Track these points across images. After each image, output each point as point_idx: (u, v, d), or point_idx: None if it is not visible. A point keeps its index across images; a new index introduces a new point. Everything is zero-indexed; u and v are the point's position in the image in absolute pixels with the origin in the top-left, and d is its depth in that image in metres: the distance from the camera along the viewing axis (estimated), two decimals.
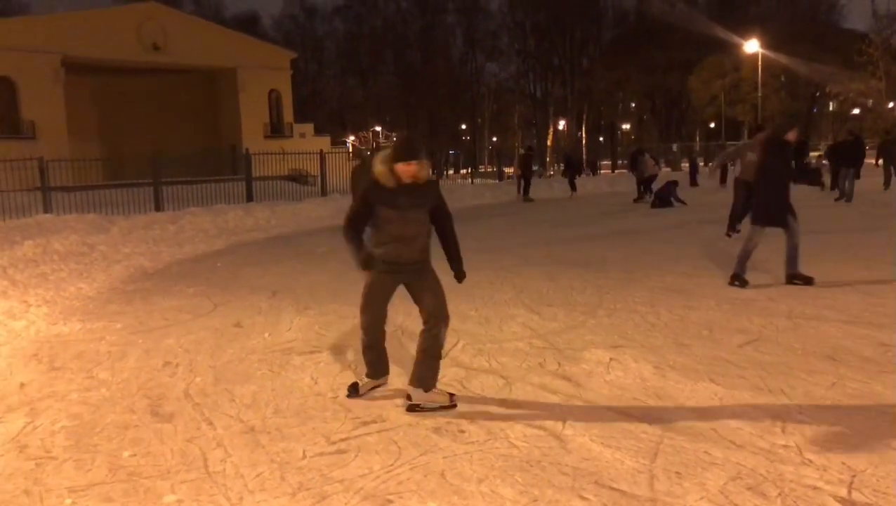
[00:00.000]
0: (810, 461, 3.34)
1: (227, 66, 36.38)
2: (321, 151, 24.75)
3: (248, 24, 59.92)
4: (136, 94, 36.00)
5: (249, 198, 21.03)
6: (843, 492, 3.03)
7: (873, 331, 5.53)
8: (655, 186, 19.96)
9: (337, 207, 19.86)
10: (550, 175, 35.49)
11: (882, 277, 7.70)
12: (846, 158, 17.16)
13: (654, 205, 18.31)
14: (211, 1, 64.16)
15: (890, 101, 53.70)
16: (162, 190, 19.26)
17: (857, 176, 17.11)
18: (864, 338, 5.35)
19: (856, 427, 3.70)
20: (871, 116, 54.50)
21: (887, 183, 19.85)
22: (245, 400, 4.48)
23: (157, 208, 18.71)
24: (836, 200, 16.82)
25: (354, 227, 4.24)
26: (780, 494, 3.04)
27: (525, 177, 24.40)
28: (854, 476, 3.16)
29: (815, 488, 3.08)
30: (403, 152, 4.10)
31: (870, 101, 55.18)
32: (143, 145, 28.50)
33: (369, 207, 4.16)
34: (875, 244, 10.12)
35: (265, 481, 3.33)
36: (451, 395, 4.27)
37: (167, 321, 6.87)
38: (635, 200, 20.76)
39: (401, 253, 4.19)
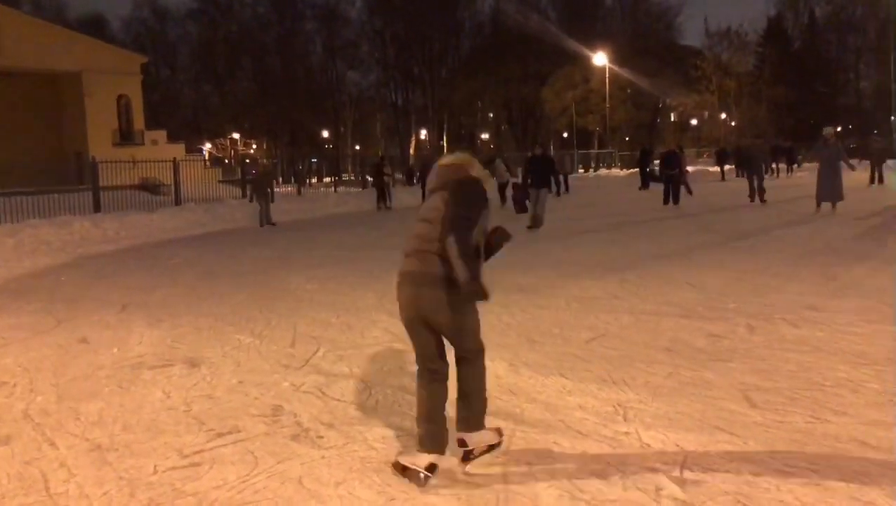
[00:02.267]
0: (648, 445, 3.58)
1: (72, 70, 34.30)
2: (175, 158, 23.84)
3: (93, 26, 56.64)
4: None
5: (97, 208, 19.95)
6: (676, 472, 3.27)
7: (705, 324, 5.98)
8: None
9: (192, 218, 19.24)
10: (415, 182, 35.73)
11: (712, 275, 8.33)
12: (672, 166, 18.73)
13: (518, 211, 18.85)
14: (52, 1, 60.25)
15: (722, 112, 57.97)
16: None
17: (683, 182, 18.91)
18: (698, 330, 5.78)
19: (688, 412, 4.00)
20: (706, 127, 58.66)
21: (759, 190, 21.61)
22: (91, 418, 4.27)
23: None
24: (665, 203, 18.29)
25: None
26: (621, 477, 3.24)
27: (378, 186, 24.48)
28: (686, 456, 3.42)
29: (652, 469, 3.31)
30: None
31: (705, 113, 59.39)
32: None
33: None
34: (708, 246, 10.95)
35: (112, 500, 3.20)
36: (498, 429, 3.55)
37: (4, 340, 6.42)
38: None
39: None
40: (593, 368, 4.87)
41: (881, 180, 23.80)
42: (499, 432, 3.48)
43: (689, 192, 19.62)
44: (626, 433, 3.74)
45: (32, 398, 4.68)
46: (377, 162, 26.58)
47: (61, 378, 5.13)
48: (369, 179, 32.50)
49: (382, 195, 23.97)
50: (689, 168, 30.45)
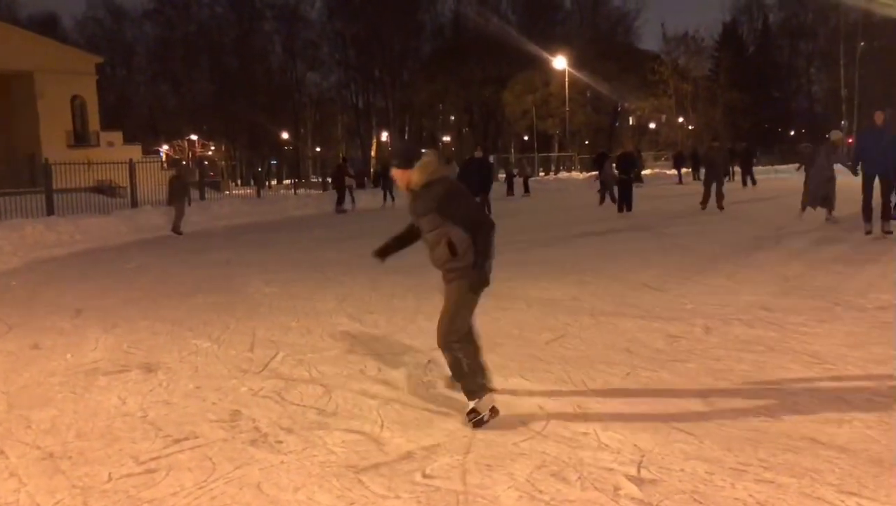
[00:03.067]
0: (606, 446, 3.62)
1: (23, 70, 33.54)
2: (131, 160, 23.46)
3: (46, 25, 55.46)
4: None
5: (50, 211, 19.54)
6: (634, 471, 3.31)
7: (664, 324, 6.07)
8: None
9: (149, 221, 18.92)
10: (376, 186, 35.70)
11: (670, 276, 8.46)
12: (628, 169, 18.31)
13: None
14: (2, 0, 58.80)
15: (680, 116, 58.91)
16: None
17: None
18: (657, 331, 5.86)
19: (645, 412, 4.06)
20: (664, 130, 59.55)
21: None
22: (43, 425, 4.18)
23: None
24: (619, 210, 17.74)
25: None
26: (579, 477, 3.27)
27: (338, 188, 24.36)
28: (643, 456, 3.46)
29: (609, 469, 3.34)
30: (392, 158, 4.15)
31: (663, 116, 60.31)
32: None
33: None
34: (665, 250, 11.10)
35: None
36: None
37: None
38: None
39: (431, 258, 4.15)
40: (553, 369, 4.91)
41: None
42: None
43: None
44: (585, 434, 3.77)
45: None
46: (339, 164, 26.48)
47: (12, 386, 5.01)
48: (329, 180, 32.38)
49: (342, 198, 23.84)
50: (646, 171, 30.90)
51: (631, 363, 4.99)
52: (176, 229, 16.71)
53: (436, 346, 5.60)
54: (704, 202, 17.27)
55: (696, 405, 4.13)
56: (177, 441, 3.87)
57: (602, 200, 21.06)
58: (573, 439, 3.71)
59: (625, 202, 17.60)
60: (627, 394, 4.37)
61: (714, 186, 17.32)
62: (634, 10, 69.51)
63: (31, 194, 19.94)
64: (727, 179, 24.58)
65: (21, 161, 30.76)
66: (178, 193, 16.83)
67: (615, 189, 19.34)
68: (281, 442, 3.81)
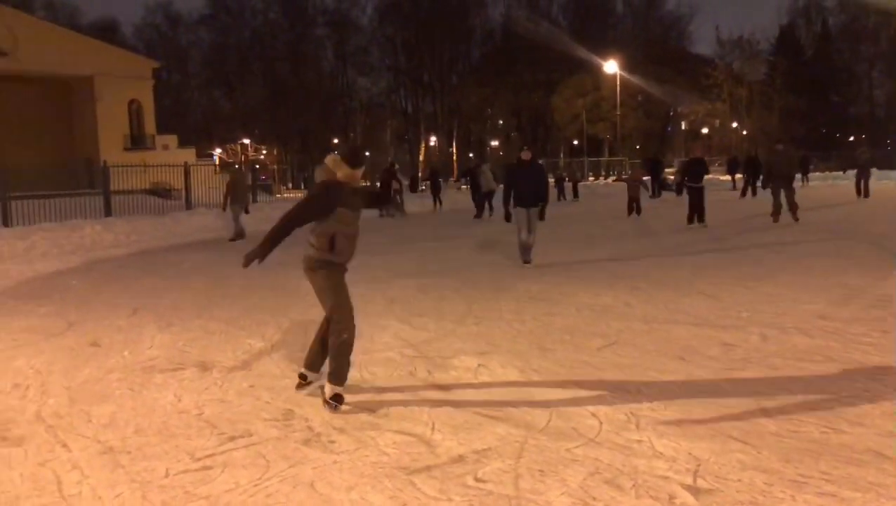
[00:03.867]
0: (661, 454, 3.56)
1: (83, 75, 34.50)
2: (186, 163, 23.94)
3: (106, 31, 56.99)
4: None
5: (108, 213, 20.03)
6: (689, 480, 3.25)
7: (719, 332, 5.95)
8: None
9: (202, 222, 19.28)
10: (422, 190, 35.78)
11: (722, 284, 8.29)
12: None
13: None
14: (65, 6, 60.72)
15: (734, 121, 57.84)
16: (10, 205, 18.01)
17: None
18: (711, 339, 5.75)
19: (701, 420, 3.98)
20: (717, 135, 58.53)
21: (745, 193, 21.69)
22: (103, 420, 4.28)
23: (5, 224, 17.46)
24: (689, 222, 15.46)
25: (295, 227, 4.51)
26: (633, 485, 3.22)
27: (385, 193, 24.42)
28: (699, 465, 3.40)
29: (665, 477, 3.28)
30: (360, 158, 4.54)
31: (717, 122, 59.26)
32: None
33: (331, 208, 4.38)
34: (720, 257, 10.90)
35: (125, 502, 3.20)
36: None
37: (16, 342, 6.45)
38: (476, 217, 20.29)
39: (349, 252, 4.55)
40: (605, 376, 4.85)
41: (867, 194, 22.15)
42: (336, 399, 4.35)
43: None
44: (639, 441, 3.72)
45: (45, 401, 4.69)
46: (387, 169, 26.62)
47: (73, 381, 5.15)
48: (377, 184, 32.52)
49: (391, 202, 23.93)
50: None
51: (685, 371, 4.91)
52: (237, 236, 15.82)
53: (485, 350, 5.61)
54: (776, 214, 15.30)
55: (753, 415, 4.03)
56: (231, 439, 3.93)
57: (630, 210, 19.11)
58: (627, 446, 3.66)
59: (696, 212, 15.37)
60: (681, 402, 4.29)
61: (784, 195, 15.24)
62: (688, 13, 68.50)
63: (90, 196, 20.49)
64: (801, 183, 23.34)
65: (80, 163, 31.64)
66: (235, 198, 15.97)
67: (640, 199, 18.61)
68: (333, 442, 3.84)
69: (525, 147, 10.33)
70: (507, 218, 10.06)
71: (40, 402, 4.67)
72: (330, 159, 4.52)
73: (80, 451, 3.81)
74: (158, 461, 3.64)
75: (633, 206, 19.24)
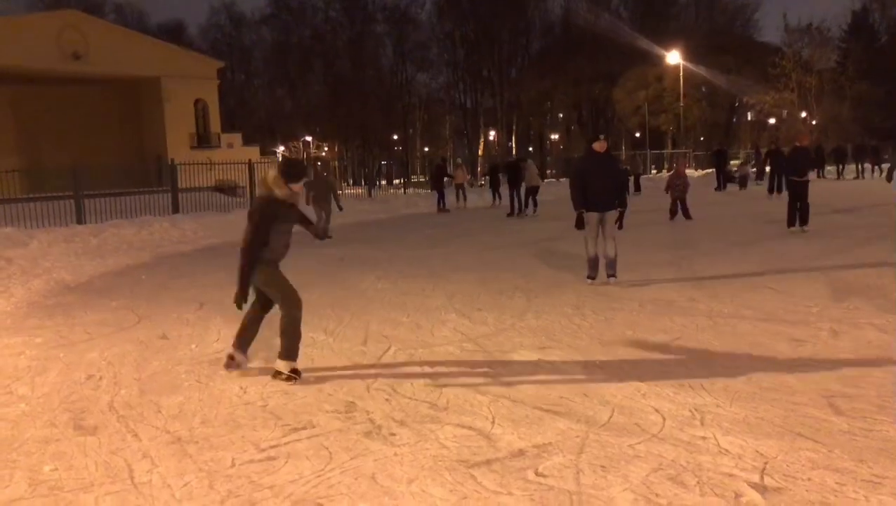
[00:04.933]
0: (727, 451, 3.48)
1: (152, 76, 35.58)
2: (250, 161, 24.42)
3: (173, 32, 58.63)
4: (56, 104, 34.80)
5: (175, 209, 20.58)
6: (756, 478, 3.17)
7: (787, 327, 5.79)
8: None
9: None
10: (481, 185, 35.72)
11: (792, 277, 8.05)
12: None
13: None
14: (134, 9, 62.67)
15: (802, 111, 56.08)
16: (83, 202, 18.67)
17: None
18: (779, 334, 5.59)
19: (768, 418, 3.88)
20: (784, 126, 56.85)
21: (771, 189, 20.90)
22: (172, 411, 4.41)
23: (79, 221, 18.12)
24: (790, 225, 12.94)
25: (253, 253, 4.96)
26: (698, 482, 3.16)
27: (438, 189, 24.27)
28: (766, 463, 3.31)
29: (730, 475, 3.21)
30: (297, 173, 5.02)
31: (784, 112, 57.55)
32: (63, 157, 27.60)
33: (270, 223, 4.93)
34: (787, 250, 10.57)
35: (193, 490, 3.29)
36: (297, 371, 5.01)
37: (89, 335, 6.69)
38: (509, 215, 19.40)
39: (281, 253, 5.10)
40: (669, 371, 4.77)
41: None
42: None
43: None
44: (704, 438, 3.64)
45: (117, 391, 4.85)
46: (438, 164, 26.59)
47: (143, 372, 5.31)
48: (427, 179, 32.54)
49: (441, 199, 23.72)
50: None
51: (751, 367, 4.78)
52: (324, 234, 13.51)
53: (545, 344, 5.57)
54: None
55: (823, 413, 3.91)
56: (295, 430, 3.99)
57: (673, 213, 16.01)
58: (691, 442, 3.59)
59: (798, 213, 12.54)
60: (748, 399, 4.19)
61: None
62: (754, 1, 66.41)
63: (158, 193, 21.08)
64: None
65: (149, 162, 32.61)
66: (323, 195, 15.02)
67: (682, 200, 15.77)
68: (394, 434, 3.87)
69: (601, 136, 8.36)
70: (580, 224, 8.10)
71: (112, 392, 4.83)
72: (270, 176, 5.00)
73: (149, 440, 3.93)
74: (225, 451, 3.73)
75: (678, 207, 15.95)
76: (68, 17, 33.81)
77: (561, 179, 34.87)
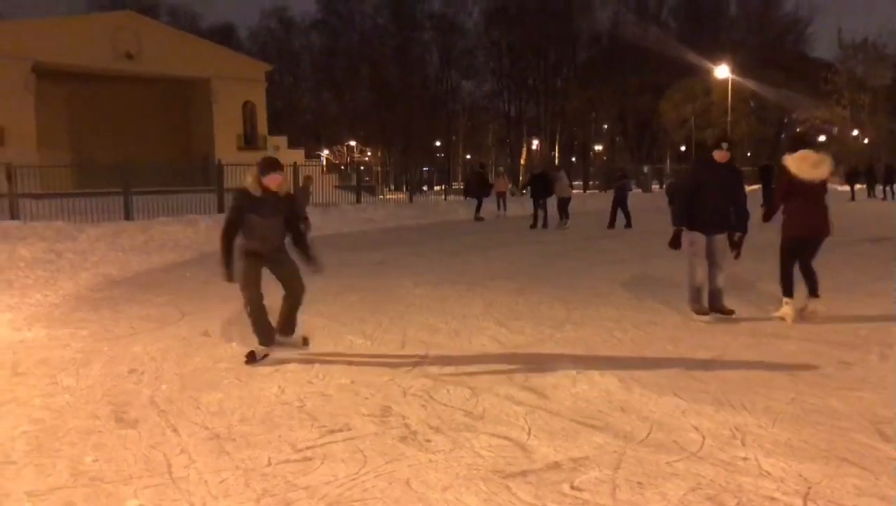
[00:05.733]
0: (768, 473, 3.40)
1: (202, 77, 36.17)
2: (295, 163, 24.70)
3: (224, 35, 59.61)
4: (108, 103, 35.59)
5: (221, 209, 20.86)
6: (799, 502, 3.09)
7: (833, 349, 5.65)
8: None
9: (309, 221, 19.78)
10: (524, 193, 35.65)
11: (842, 300, 7.87)
12: None
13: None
14: (187, 11, 63.90)
15: (854, 128, 54.86)
16: (132, 199, 19.08)
17: None
18: (825, 355, 5.46)
19: (812, 441, 3.79)
20: (835, 143, 55.69)
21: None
22: (211, 408, 4.46)
23: (127, 217, 18.53)
24: None
25: (230, 238, 5.41)
26: (738, 503, 3.10)
27: (476, 196, 24.16)
28: (810, 487, 3.23)
29: (771, 498, 3.14)
30: (274, 165, 5.39)
31: (835, 129, 56.35)
32: (113, 154, 28.21)
33: (240, 214, 5.36)
34: (836, 267, 10.33)
35: (229, 488, 3.32)
36: (305, 339, 5.82)
37: (134, 329, 6.82)
38: (532, 226, 18.99)
39: (259, 245, 5.44)
40: (709, 389, 4.68)
41: None
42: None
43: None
44: (745, 459, 3.57)
45: (158, 386, 4.93)
46: (476, 171, 26.49)
47: (184, 368, 5.39)
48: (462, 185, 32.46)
49: (478, 206, 23.60)
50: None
51: (796, 388, 4.68)
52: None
53: (584, 356, 5.52)
54: None
55: (869, 438, 3.81)
56: (331, 432, 4.01)
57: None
58: (731, 463, 3.52)
59: None
60: (791, 421, 4.09)
61: None
62: (807, 15, 65.20)
63: (205, 192, 21.43)
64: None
65: (196, 161, 33.15)
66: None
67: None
68: (429, 441, 3.86)
69: (724, 143, 6.80)
70: (676, 243, 6.83)
71: (154, 387, 4.91)
72: (251, 171, 5.41)
73: (188, 436, 3.98)
74: (262, 450, 3.76)
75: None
76: (123, 17, 34.58)
77: (607, 191, 34.45)
